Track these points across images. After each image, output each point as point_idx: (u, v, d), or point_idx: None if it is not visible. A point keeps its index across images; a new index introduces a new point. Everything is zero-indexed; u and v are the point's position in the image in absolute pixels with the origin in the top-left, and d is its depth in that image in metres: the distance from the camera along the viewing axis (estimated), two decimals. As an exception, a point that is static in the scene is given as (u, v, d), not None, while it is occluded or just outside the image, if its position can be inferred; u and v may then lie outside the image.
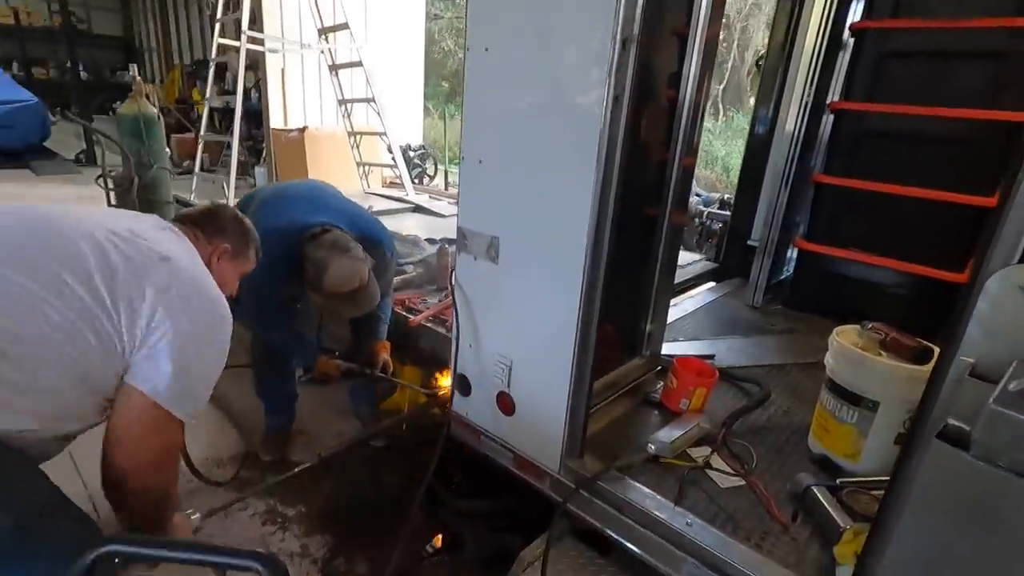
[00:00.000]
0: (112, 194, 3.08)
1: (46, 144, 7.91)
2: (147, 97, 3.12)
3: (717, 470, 1.58)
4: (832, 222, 2.75)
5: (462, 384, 1.83)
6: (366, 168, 5.26)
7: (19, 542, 0.88)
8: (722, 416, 1.77)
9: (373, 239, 2.06)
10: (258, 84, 6.60)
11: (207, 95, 5.51)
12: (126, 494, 1.13)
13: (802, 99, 2.68)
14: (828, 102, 2.67)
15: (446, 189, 6.08)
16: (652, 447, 1.61)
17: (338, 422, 2.51)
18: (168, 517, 1.28)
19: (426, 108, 12.61)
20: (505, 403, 1.72)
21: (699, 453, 1.65)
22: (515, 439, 1.74)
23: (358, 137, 5.25)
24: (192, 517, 1.37)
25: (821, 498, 1.41)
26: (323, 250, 1.83)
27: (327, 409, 2.59)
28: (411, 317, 2.21)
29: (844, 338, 1.58)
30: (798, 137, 2.73)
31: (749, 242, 3.31)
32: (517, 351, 1.66)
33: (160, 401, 1.06)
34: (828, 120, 2.71)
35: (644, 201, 1.92)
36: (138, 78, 2.95)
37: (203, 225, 1.41)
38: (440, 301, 2.41)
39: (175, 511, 1.30)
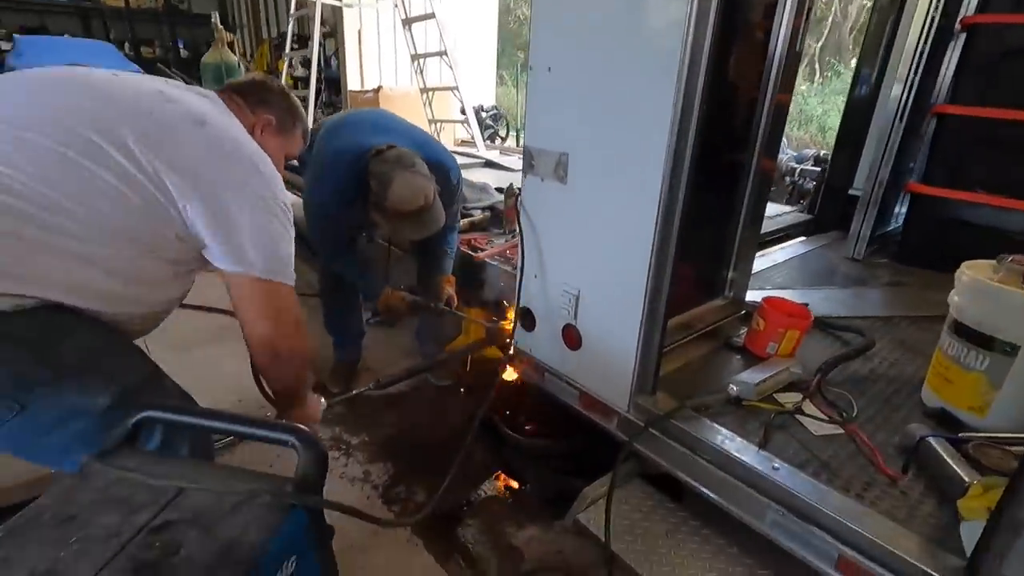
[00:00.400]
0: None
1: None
2: (229, 46, 3.21)
3: (810, 416, 1.40)
4: (955, 161, 2.39)
5: (526, 318, 1.74)
6: (438, 125, 5.24)
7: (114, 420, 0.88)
8: (816, 363, 1.57)
9: (439, 164, 1.98)
10: (337, 52, 6.74)
11: (286, 52, 5.66)
12: (270, 366, 1.20)
13: (927, 16, 2.31)
14: (960, 18, 2.28)
15: (518, 147, 5.97)
16: (734, 388, 1.45)
17: (404, 362, 2.50)
18: (306, 393, 1.38)
19: (500, 76, 12.47)
20: (571, 336, 1.61)
21: (788, 399, 1.48)
22: (581, 375, 1.63)
23: (430, 94, 5.22)
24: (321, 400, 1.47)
25: (940, 450, 1.20)
26: (387, 165, 1.77)
27: (394, 349, 2.60)
28: (476, 254, 2.14)
29: (977, 272, 1.34)
30: (918, 62, 2.37)
31: (851, 191, 2.98)
32: (585, 281, 1.54)
33: (258, 274, 1.05)
34: (958, 41, 2.33)
35: (730, 144, 1.74)
36: (220, 27, 3.03)
37: (245, 94, 1.29)
38: (506, 242, 2.32)
39: (310, 388, 1.40)
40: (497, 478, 1.78)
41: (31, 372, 0.83)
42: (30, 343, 0.83)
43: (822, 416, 1.40)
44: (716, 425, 1.37)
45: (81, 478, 0.65)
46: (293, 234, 1.16)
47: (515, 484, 1.81)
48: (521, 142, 7.29)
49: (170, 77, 1.77)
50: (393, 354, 2.56)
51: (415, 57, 5.13)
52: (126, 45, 12.28)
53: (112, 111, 0.98)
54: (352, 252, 2.05)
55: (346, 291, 2.18)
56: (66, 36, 9.59)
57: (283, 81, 6.05)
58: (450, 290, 2.10)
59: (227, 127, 1.12)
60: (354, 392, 1.53)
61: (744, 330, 1.81)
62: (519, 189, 1.65)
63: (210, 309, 2.93)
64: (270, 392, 1.33)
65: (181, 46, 11.39)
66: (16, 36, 7.71)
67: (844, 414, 1.41)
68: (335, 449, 1.91)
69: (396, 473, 1.81)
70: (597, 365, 1.57)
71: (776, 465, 1.23)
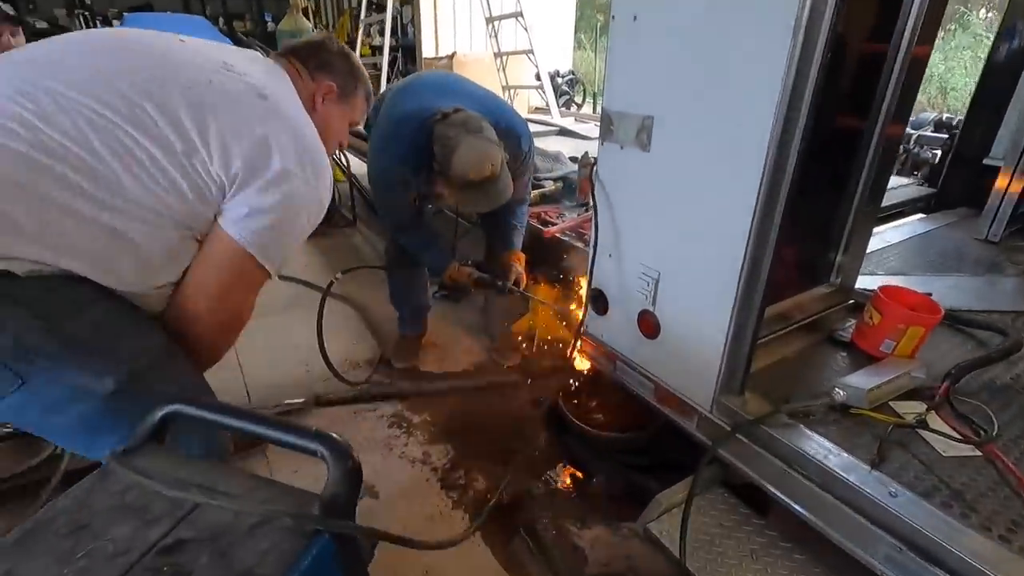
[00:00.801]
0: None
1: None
2: (303, 12, 3.19)
3: (936, 432, 1.17)
4: None
5: (598, 301, 1.60)
6: (512, 92, 5.07)
7: (123, 402, 0.85)
8: (944, 367, 1.33)
9: (509, 129, 1.83)
10: (412, 19, 6.66)
11: (362, 19, 5.64)
12: (185, 339, 1.01)
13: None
14: None
15: (594, 113, 5.68)
16: (840, 393, 1.24)
17: (468, 339, 2.44)
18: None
19: (578, 40, 11.95)
20: (648, 324, 1.45)
21: (908, 409, 1.25)
22: (657, 367, 1.48)
23: (504, 59, 5.04)
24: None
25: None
26: (453, 129, 1.65)
27: (459, 326, 2.54)
28: (545, 229, 2.00)
29: None
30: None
31: (986, 161, 2.54)
32: (667, 262, 1.37)
33: (251, 248, 0.95)
34: None
35: (850, 104, 1.47)
36: (295, -7, 3.02)
37: (306, 59, 1.21)
38: (579, 216, 2.16)
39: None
40: (562, 470, 1.67)
41: (36, 342, 0.78)
42: (40, 311, 0.78)
43: (953, 433, 1.17)
44: (817, 436, 1.18)
45: (102, 478, 0.61)
46: (307, 234, 1.08)
47: (581, 477, 1.69)
48: (598, 109, 6.98)
49: (250, 47, 1.75)
50: (458, 330, 2.50)
51: (489, 20, 4.95)
52: (220, 20, 12.98)
53: (169, 76, 0.92)
54: (418, 224, 1.96)
55: (412, 264, 2.12)
56: (168, 12, 10.22)
57: (358, 51, 6.08)
58: (519, 268, 1.98)
59: (287, 104, 1.05)
60: (295, 402, 1.37)
61: (852, 323, 1.57)
62: (595, 158, 1.48)
63: (285, 278, 3.01)
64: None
65: (268, 19, 11.85)
66: (125, 14, 8.26)
67: (982, 432, 1.17)
68: (396, 427, 1.87)
69: (456, 456, 1.75)
70: (677, 357, 1.41)
71: (893, 490, 1.03)
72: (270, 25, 11.99)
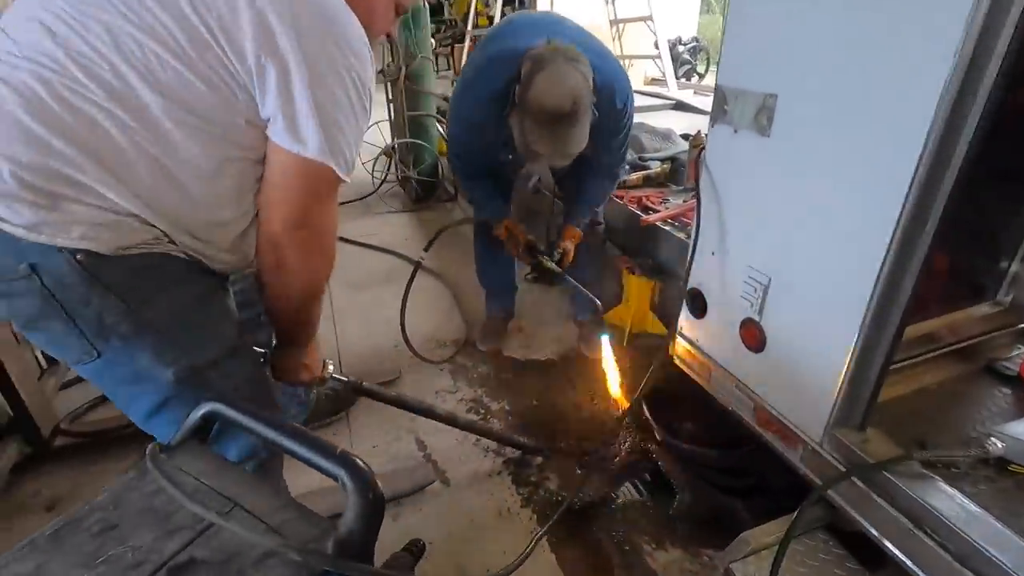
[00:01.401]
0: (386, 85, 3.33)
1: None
2: (416, -17, 3.18)
3: None
4: None
5: (695, 301, 1.43)
6: (627, 62, 4.78)
7: (179, 393, 0.88)
8: None
9: (607, 83, 1.62)
10: (530, -9, 6.50)
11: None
12: (276, 267, 0.95)
13: None
14: None
15: (716, 86, 5.22)
16: (999, 444, 1.00)
17: (556, 325, 2.35)
18: (309, 332, 1.12)
19: (706, 3, 11.02)
20: (752, 335, 1.27)
21: (1095, 474, 0.98)
22: (760, 384, 1.29)
23: (621, 26, 4.75)
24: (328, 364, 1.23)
25: None
26: (541, 55, 1.49)
27: (548, 310, 2.46)
28: (644, 216, 1.83)
29: None
30: None
31: None
32: (781, 266, 1.17)
33: (311, 154, 0.85)
34: None
35: None
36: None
37: None
38: (684, 202, 1.96)
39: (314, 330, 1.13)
40: (642, 480, 1.55)
41: (114, 322, 0.81)
42: (124, 293, 0.81)
43: None
44: (959, 495, 0.95)
45: (140, 476, 0.61)
46: (366, 124, 0.95)
47: (662, 491, 1.56)
48: (722, 79, 6.43)
49: None
50: (547, 315, 2.42)
51: (608, -16, 4.66)
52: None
53: None
54: (487, 172, 1.86)
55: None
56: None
57: (473, 23, 6.03)
58: (568, 246, 1.82)
59: None
60: (345, 380, 1.30)
61: (1022, 352, 1.27)
62: (705, 138, 1.30)
63: (381, 249, 3.10)
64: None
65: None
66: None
67: None
68: (473, 412, 1.85)
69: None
70: (784, 376, 1.22)
71: (1064, 583, 0.80)
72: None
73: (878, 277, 0.97)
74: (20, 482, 1.60)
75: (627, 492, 1.53)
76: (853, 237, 1.00)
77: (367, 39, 0.91)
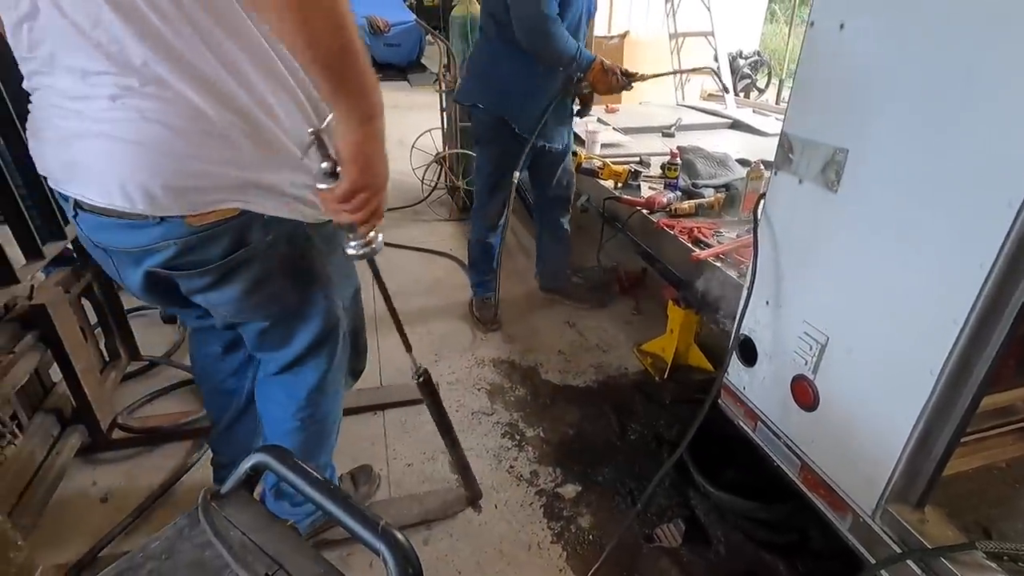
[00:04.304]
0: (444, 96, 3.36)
1: (423, 60, 9.48)
2: (477, -1, 3.21)
3: None
4: None
5: (745, 349, 1.38)
6: (684, 76, 4.68)
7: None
8: None
9: None
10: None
11: None
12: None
13: None
14: None
15: (777, 103, 5.03)
16: (1077, 542, 0.92)
17: (595, 352, 2.32)
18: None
19: (770, 12, 10.65)
20: (803, 392, 1.21)
21: None
22: (809, 444, 1.24)
23: (680, 40, 4.65)
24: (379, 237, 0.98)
25: None
26: None
27: (591, 335, 2.44)
28: (695, 251, 1.78)
29: None
30: None
31: None
32: (840, 325, 1.12)
33: None
34: None
35: None
36: (471, -20, 3.05)
37: None
38: (738, 237, 1.90)
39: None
40: (676, 526, 1.51)
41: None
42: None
43: None
44: (1029, 594, 0.89)
45: (191, 524, 0.63)
46: None
47: (697, 540, 1.52)
48: (784, 96, 6.22)
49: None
50: (589, 338, 2.39)
51: (669, -3, 4.57)
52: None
53: None
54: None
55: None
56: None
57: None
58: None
59: None
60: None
61: (1108, 432, 1.17)
62: (767, 166, 1.25)
63: (422, 250, 3.15)
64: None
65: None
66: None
67: None
68: (508, 437, 1.84)
69: (564, 482, 1.67)
70: (836, 440, 1.16)
71: None
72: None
73: (952, 349, 0.92)
74: (78, 471, 1.69)
75: (661, 538, 1.48)
76: (922, 301, 0.94)
77: None
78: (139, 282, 0.98)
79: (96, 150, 0.81)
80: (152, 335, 2.32)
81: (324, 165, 0.84)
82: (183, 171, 0.83)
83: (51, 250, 1.64)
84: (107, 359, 2.01)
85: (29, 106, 0.88)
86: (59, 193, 0.90)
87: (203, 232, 0.89)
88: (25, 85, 0.87)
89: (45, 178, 0.91)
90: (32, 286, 1.54)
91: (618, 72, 2.11)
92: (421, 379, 1.35)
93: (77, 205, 0.89)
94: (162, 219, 0.86)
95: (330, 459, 1.37)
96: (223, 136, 0.84)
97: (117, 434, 1.79)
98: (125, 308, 2.03)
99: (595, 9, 2.27)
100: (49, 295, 1.56)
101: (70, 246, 1.75)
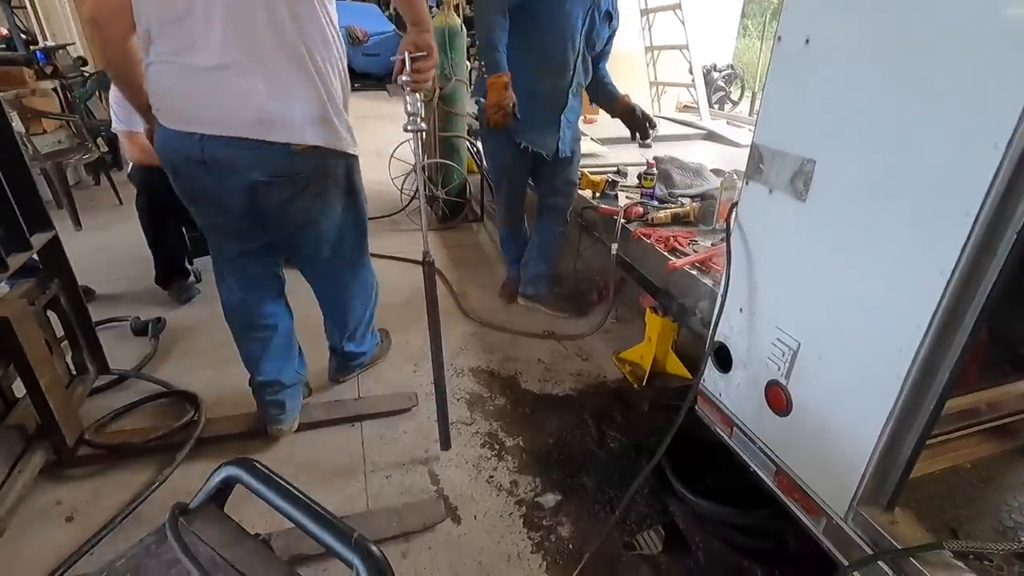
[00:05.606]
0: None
1: (401, 71, 9.48)
2: (455, 9, 3.23)
3: None
4: None
5: (720, 356, 1.40)
6: (659, 88, 4.76)
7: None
8: None
9: None
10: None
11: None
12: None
13: None
14: None
15: (750, 115, 5.15)
16: (1038, 540, 0.95)
17: (574, 360, 2.33)
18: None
19: (743, 27, 10.93)
20: (777, 398, 1.24)
21: None
22: (783, 449, 1.26)
23: (656, 53, 4.74)
24: None
25: None
26: None
27: (569, 346, 2.44)
28: (672, 260, 1.80)
29: None
30: None
31: None
32: (811, 331, 1.14)
33: None
34: None
35: None
36: (449, -10, 3.07)
37: None
38: (713, 245, 1.93)
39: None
40: (655, 533, 1.51)
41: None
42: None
43: None
44: (994, 591, 0.91)
45: (159, 541, 0.61)
46: None
47: (677, 547, 1.52)
48: (756, 108, 6.37)
49: None
50: (568, 347, 2.40)
51: (645, 12, 4.67)
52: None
53: None
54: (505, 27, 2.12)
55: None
56: None
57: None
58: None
59: None
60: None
61: (1066, 432, 1.21)
62: (740, 176, 1.28)
63: (401, 259, 3.12)
64: None
65: (434, 4, 12.40)
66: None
67: None
68: (488, 447, 1.84)
69: (543, 492, 1.66)
70: (809, 444, 1.18)
71: None
72: (433, 9, 12.57)
73: (917, 353, 0.94)
74: (41, 490, 1.63)
75: (640, 545, 1.49)
76: (891, 311, 0.97)
77: None
78: (243, 189, 1.42)
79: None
80: (122, 348, 2.26)
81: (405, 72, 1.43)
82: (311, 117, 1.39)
83: (15, 261, 1.59)
84: (74, 373, 1.95)
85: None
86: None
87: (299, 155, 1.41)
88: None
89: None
90: (-6, 298, 1.49)
91: (514, 99, 2.08)
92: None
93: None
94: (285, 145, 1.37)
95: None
96: (327, 99, 1.41)
97: (84, 450, 1.74)
98: (93, 321, 1.98)
99: (614, 25, 2.40)
100: (12, 308, 1.51)
101: (35, 256, 1.70)
